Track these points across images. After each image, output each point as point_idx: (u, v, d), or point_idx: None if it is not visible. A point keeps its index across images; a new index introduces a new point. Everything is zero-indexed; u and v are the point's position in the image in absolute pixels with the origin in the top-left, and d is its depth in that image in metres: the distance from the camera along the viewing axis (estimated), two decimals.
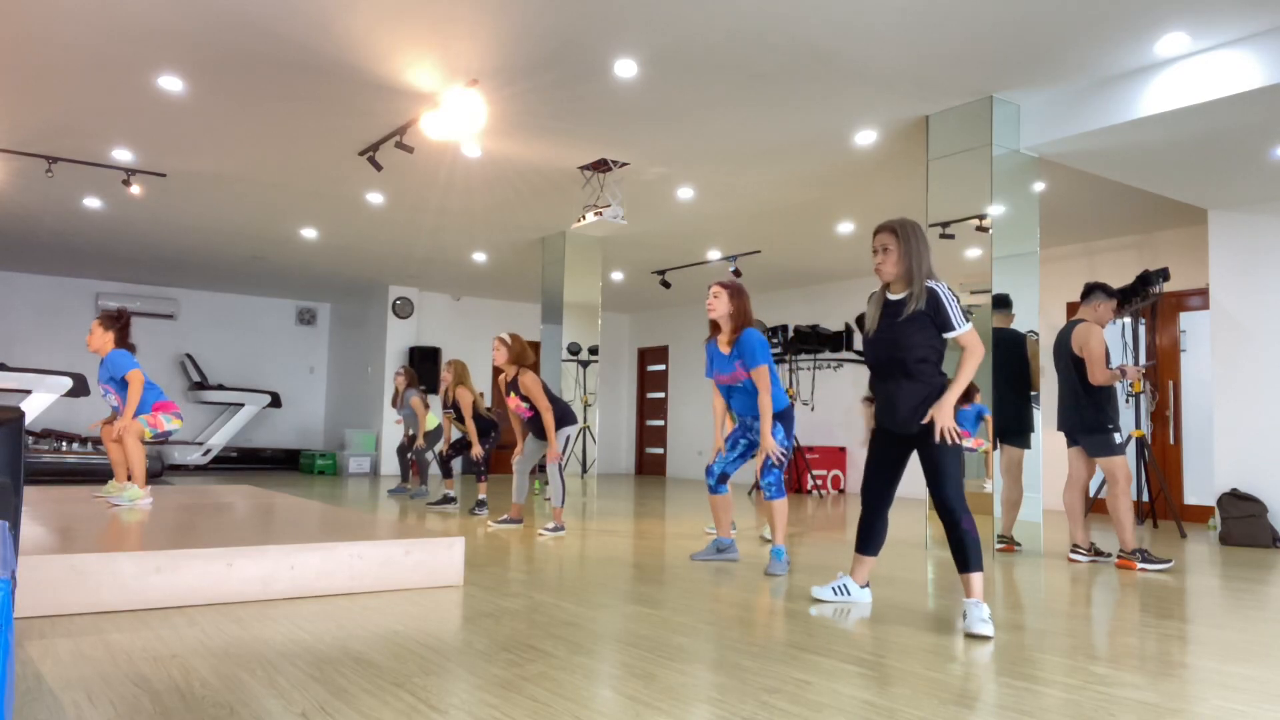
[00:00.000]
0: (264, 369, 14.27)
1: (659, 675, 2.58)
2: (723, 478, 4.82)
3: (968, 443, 5.66)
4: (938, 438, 3.30)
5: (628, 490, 10.92)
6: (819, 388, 11.94)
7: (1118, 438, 5.20)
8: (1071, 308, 9.34)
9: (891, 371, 3.45)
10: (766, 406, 4.54)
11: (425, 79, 5.61)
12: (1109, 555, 5.42)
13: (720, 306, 4.69)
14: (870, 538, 3.66)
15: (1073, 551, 5.33)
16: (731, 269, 10.57)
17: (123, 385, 5.40)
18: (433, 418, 9.07)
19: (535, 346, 14.50)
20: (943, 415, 3.30)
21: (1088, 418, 5.20)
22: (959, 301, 3.40)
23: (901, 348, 3.40)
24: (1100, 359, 5.16)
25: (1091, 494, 7.53)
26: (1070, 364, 5.28)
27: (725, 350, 4.70)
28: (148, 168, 7.60)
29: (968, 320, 3.38)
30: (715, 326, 4.79)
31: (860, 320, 3.66)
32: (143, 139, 6.88)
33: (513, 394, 6.09)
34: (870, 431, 3.84)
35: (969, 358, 3.34)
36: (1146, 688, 2.57)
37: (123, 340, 5.46)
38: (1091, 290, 5.38)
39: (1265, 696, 2.52)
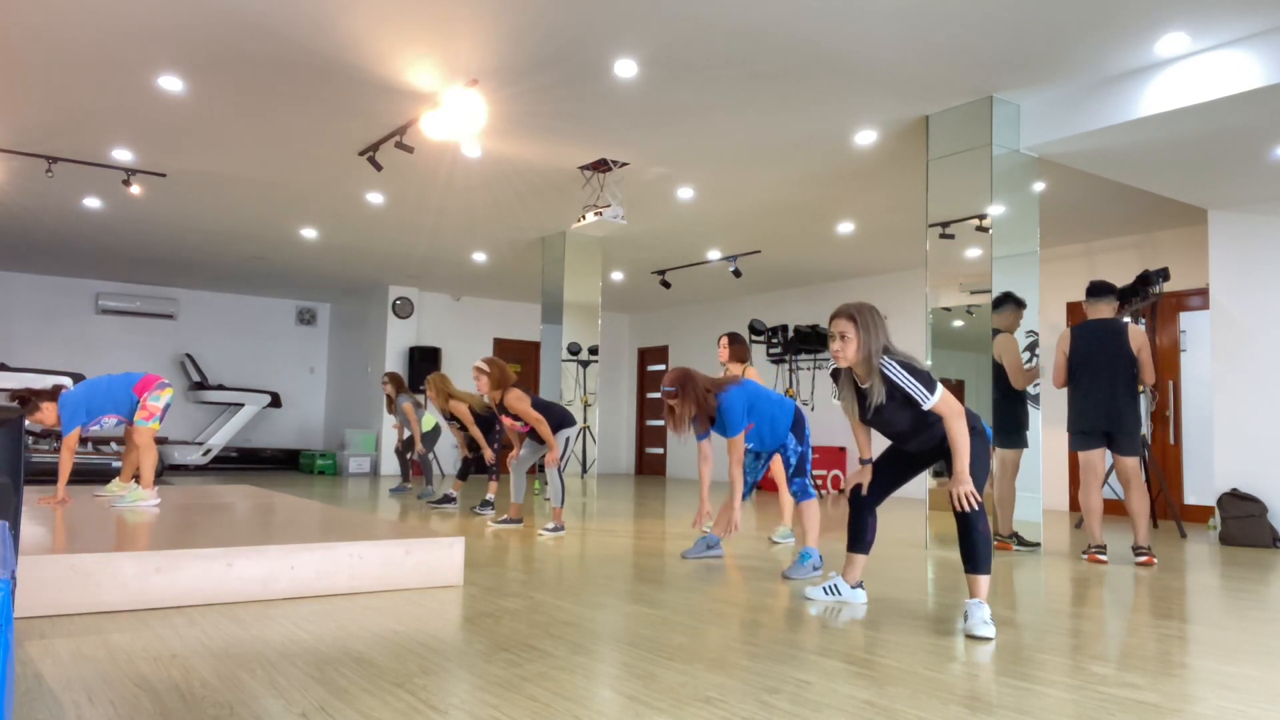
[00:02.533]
0: (264, 369, 14.27)
1: (659, 675, 2.58)
2: (754, 487, 5.02)
3: None
4: (960, 507, 3.25)
5: (627, 490, 10.92)
6: (819, 387, 11.94)
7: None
8: (1072, 307, 9.34)
9: (902, 439, 3.51)
10: (736, 478, 4.67)
11: (425, 79, 5.61)
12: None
13: (680, 409, 4.59)
14: (861, 535, 3.66)
15: (1100, 552, 5.32)
16: (731, 269, 10.58)
17: (100, 409, 5.45)
18: (429, 418, 9.08)
19: (535, 347, 14.52)
20: (961, 486, 3.25)
21: (1132, 418, 5.31)
22: (911, 371, 3.27)
23: (897, 424, 3.42)
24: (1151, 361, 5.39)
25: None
26: (1127, 364, 5.33)
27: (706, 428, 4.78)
28: (148, 168, 7.60)
29: (933, 385, 3.26)
30: None
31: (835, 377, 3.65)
32: (143, 139, 6.88)
33: (505, 414, 6.15)
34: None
35: (951, 424, 3.25)
36: (1146, 688, 2.57)
37: (53, 396, 5.40)
38: (1109, 290, 5.51)
39: (1265, 696, 2.52)
